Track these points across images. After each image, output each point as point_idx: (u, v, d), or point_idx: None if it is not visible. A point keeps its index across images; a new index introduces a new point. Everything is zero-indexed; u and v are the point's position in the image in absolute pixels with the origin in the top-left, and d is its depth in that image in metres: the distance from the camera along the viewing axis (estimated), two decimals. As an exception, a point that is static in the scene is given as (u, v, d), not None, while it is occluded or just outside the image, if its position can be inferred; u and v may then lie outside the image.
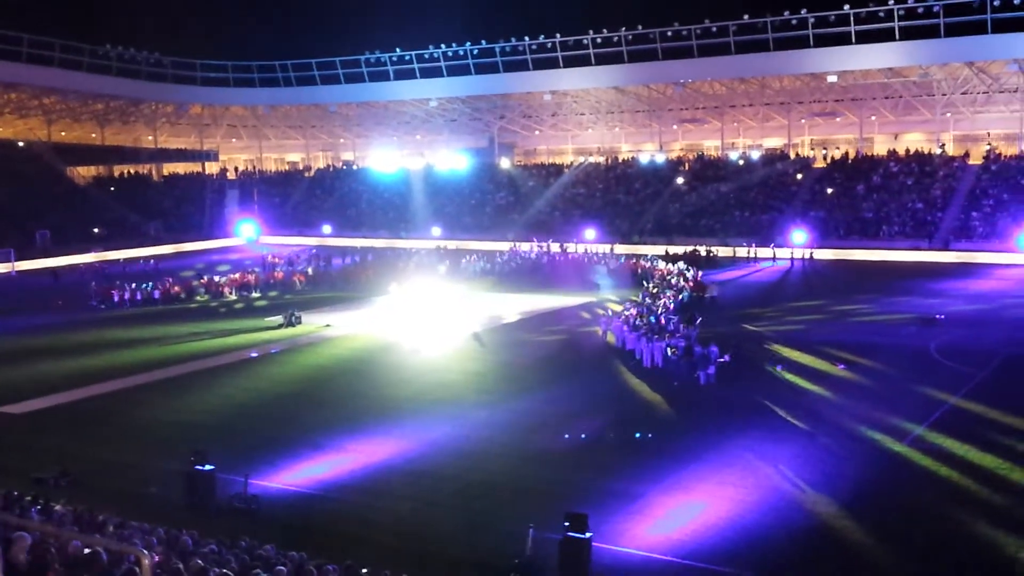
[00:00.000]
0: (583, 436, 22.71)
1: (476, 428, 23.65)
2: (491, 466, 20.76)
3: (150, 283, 49.36)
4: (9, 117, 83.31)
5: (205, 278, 51.34)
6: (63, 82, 76.03)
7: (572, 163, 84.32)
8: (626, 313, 35.88)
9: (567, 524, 15.08)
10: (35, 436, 24.03)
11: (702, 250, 61.28)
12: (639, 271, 52.51)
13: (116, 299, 47.35)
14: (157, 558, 10.73)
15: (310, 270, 55.90)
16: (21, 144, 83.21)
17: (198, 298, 48.74)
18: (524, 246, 64.39)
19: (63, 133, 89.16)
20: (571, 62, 73.76)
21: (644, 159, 79.96)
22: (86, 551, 10.26)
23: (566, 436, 22.74)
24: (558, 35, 73.08)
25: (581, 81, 74.70)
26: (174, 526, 14.83)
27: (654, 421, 24.43)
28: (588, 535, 15.04)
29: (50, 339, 37.49)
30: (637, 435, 22.82)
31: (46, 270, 61.75)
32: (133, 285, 48.76)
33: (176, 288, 49.04)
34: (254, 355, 33.78)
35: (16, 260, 62.47)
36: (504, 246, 65.05)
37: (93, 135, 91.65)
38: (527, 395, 27.19)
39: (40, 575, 8.55)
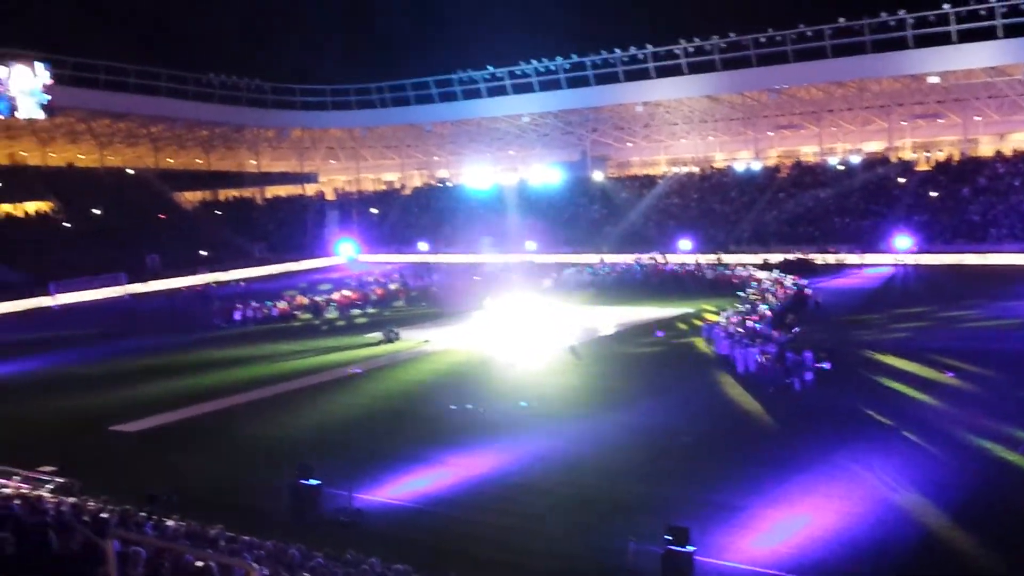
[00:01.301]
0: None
1: (572, 441, 23.63)
2: (589, 479, 20.73)
3: (269, 301, 50.90)
4: (119, 146, 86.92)
5: (320, 297, 52.57)
6: (169, 110, 79.19)
7: (666, 173, 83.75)
8: (723, 321, 35.76)
9: (669, 537, 14.98)
10: (148, 453, 24.94)
11: (801, 257, 60.27)
12: (735, 281, 51.87)
13: (238, 317, 48.93)
14: (266, 571, 11.07)
15: (397, 286, 56.82)
16: (131, 172, 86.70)
17: (301, 316, 49.87)
18: (619, 258, 64.14)
19: (170, 160, 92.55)
20: (663, 72, 73.42)
21: (739, 167, 78.90)
22: (198, 565, 10.65)
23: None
24: (649, 46, 72.83)
25: (673, 91, 74.22)
26: (282, 540, 15.21)
27: (753, 431, 24.11)
28: (691, 548, 14.92)
29: (162, 359, 38.80)
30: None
31: (160, 292, 64.27)
32: (254, 304, 50.35)
33: (288, 307, 50.34)
34: (356, 371, 34.41)
35: (128, 283, 64.92)
36: (599, 258, 64.92)
37: (199, 161, 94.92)
38: (623, 407, 27.09)
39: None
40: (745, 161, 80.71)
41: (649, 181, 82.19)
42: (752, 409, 26.47)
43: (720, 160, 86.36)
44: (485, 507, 19.31)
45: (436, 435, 24.90)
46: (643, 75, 74.40)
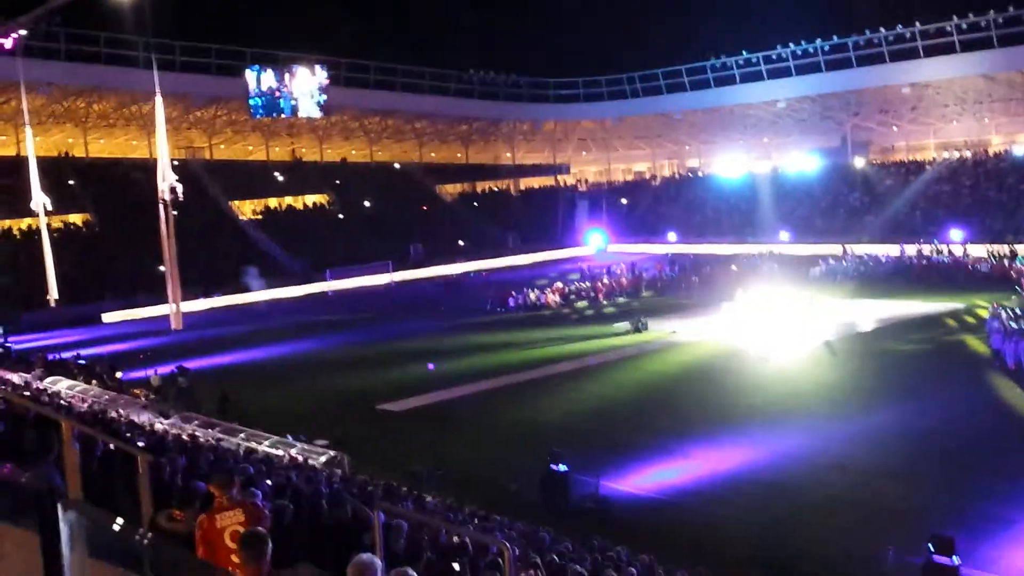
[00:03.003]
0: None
1: (826, 440, 22.82)
2: (844, 481, 19.96)
3: (536, 289, 53.09)
4: (387, 142, 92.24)
5: (571, 286, 53.88)
6: (433, 107, 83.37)
7: (935, 159, 78.45)
8: (998, 314, 33.38)
9: (931, 547, 14.20)
10: (411, 432, 26.50)
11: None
12: (1014, 274, 47.94)
13: (512, 304, 51.38)
14: (518, 551, 11.56)
15: (645, 276, 57.00)
16: (397, 166, 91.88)
17: (555, 305, 51.02)
18: (882, 249, 60.92)
19: (433, 154, 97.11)
20: (932, 51, 68.68)
21: (1020, 151, 72.61)
22: (454, 540, 11.30)
23: None
24: (917, 23, 68.37)
25: (944, 71, 69.23)
26: (531, 522, 15.78)
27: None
28: (956, 561, 14.07)
29: (425, 343, 40.81)
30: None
31: (421, 280, 67.84)
32: (526, 290, 52.66)
33: (554, 295, 52.03)
34: (605, 359, 34.83)
35: (393, 271, 68.91)
36: (859, 249, 61.94)
37: (458, 155, 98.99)
38: (882, 407, 25.78)
39: (415, 560, 9.51)
40: (1026, 144, 74.26)
41: (916, 167, 77.24)
42: (1026, 412, 24.51)
43: (997, 144, 79.74)
44: (733, 503, 19.08)
45: (683, 427, 24.82)
46: (911, 55, 69.91)
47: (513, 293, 52.69)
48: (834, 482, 19.89)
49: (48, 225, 42.41)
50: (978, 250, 57.46)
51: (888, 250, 60.61)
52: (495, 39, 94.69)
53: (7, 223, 61.30)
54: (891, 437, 22.83)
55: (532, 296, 52.01)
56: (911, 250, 59.38)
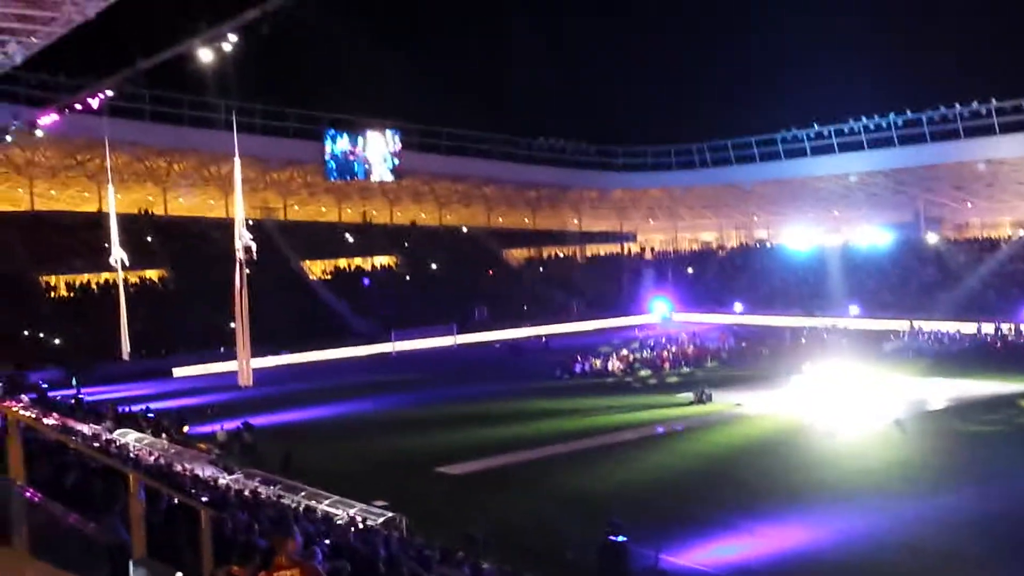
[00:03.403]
0: None
1: (892, 520, 22.20)
2: (917, 563, 19.37)
3: (602, 356, 52.95)
4: (456, 206, 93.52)
5: (634, 355, 53.54)
6: (502, 173, 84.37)
7: (1010, 236, 76.83)
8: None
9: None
10: (467, 496, 26.41)
11: None
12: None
13: (578, 370, 51.34)
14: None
15: (711, 346, 56.30)
16: (465, 230, 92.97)
17: (617, 372, 50.69)
18: (955, 326, 59.54)
19: (500, 219, 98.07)
20: (1009, 128, 67.65)
21: (1099, 231, 70.83)
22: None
23: None
24: (993, 100, 67.52)
25: (1020, 149, 68.12)
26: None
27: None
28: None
29: (485, 407, 40.90)
30: None
31: (484, 344, 68.02)
32: (591, 357, 52.68)
33: (621, 363, 51.82)
34: (678, 428, 34.43)
35: (457, 334, 69.25)
36: (929, 326, 60.61)
37: (526, 220, 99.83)
38: (955, 489, 25.02)
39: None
40: (1108, 223, 72.34)
41: (991, 244, 75.78)
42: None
43: (1076, 222, 77.85)
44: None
45: (747, 501, 24.37)
46: (986, 131, 68.97)
47: (579, 359, 52.62)
48: (902, 563, 19.32)
49: (125, 280, 43.68)
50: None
51: (960, 327, 59.27)
52: (562, 104, 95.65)
53: (86, 277, 63.30)
54: (961, 519, 22.12)
55: (597, 363, 51.89)
56: (988, 328, 58.08)
